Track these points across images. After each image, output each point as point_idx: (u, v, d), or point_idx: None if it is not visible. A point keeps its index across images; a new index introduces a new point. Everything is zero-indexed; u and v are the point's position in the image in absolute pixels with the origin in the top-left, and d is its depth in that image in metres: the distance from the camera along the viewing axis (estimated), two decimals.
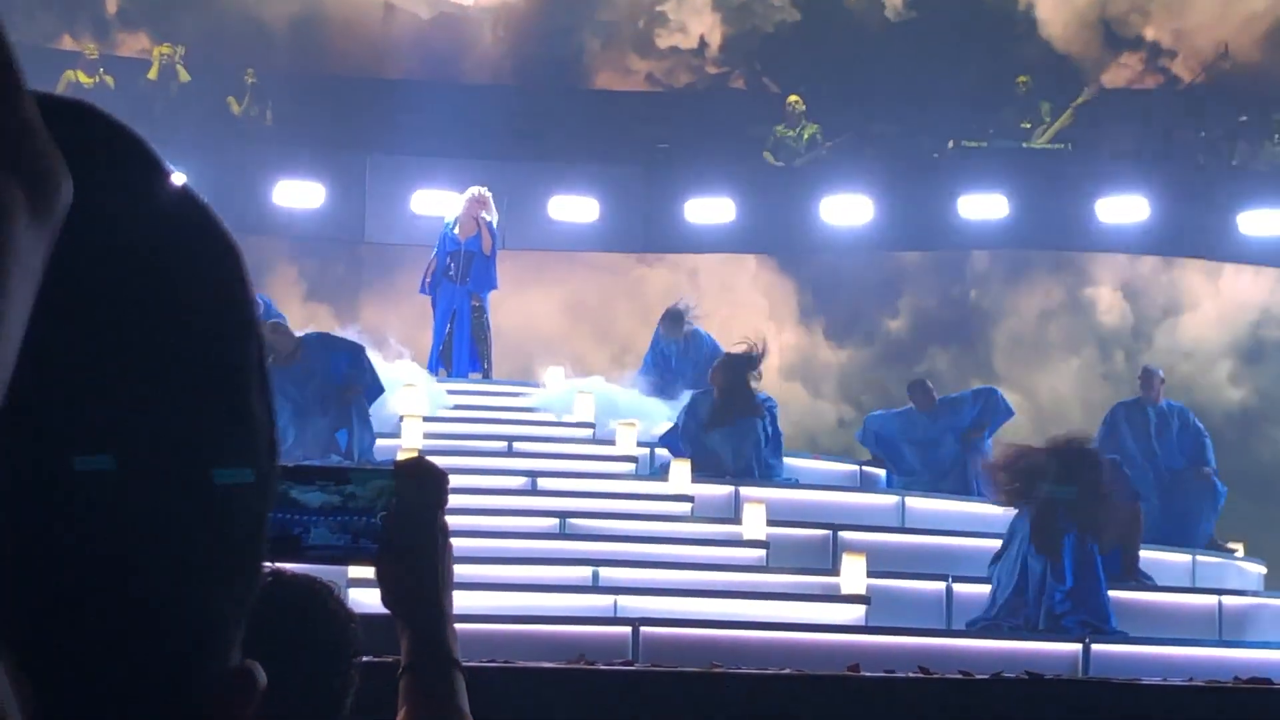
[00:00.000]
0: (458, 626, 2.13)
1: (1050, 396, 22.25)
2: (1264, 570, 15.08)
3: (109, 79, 21.86)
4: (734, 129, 23.10)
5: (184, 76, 22.17)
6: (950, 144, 22.63)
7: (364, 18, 23.72)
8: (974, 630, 11.53)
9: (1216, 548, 14.97)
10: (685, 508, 13.61)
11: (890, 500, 14.65)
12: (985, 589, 11.95)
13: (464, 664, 2.14)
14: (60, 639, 0.87)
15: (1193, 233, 21.85)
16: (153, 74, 22.20)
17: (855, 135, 22.83)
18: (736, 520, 13.09)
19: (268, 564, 1.00)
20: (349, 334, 15.70)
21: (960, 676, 8.20)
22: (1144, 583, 12.79)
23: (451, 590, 2.10)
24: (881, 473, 15.81)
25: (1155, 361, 17.89)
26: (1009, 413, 16.00)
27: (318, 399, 13.89)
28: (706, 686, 7.76)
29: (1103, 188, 21.84)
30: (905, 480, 15.46)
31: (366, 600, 7.01)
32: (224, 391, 0.93)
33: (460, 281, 17.47)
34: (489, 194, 17.81)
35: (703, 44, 24.17)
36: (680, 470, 13.96)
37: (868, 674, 8.29)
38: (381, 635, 2.63)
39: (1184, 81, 23.26)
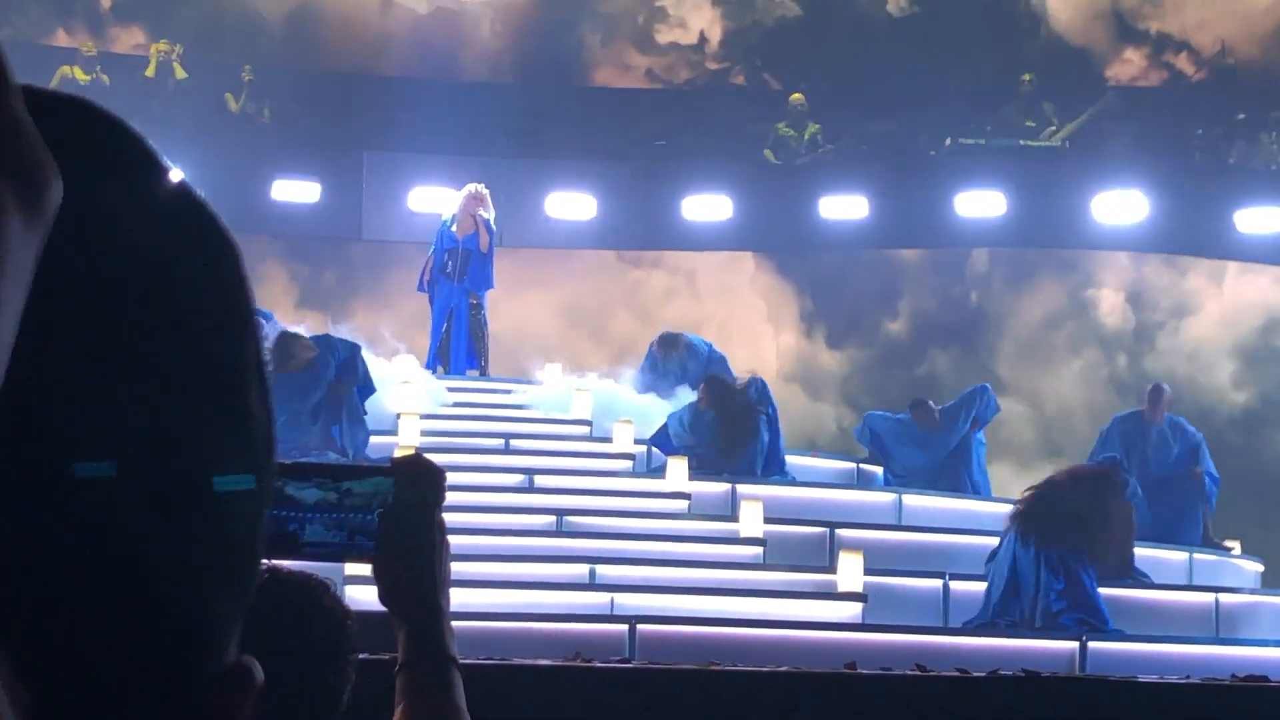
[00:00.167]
0: (454, 624, 2.13)
1: (1056, 405, 22.22)
2: (1261, 568, 15.09)
3: (105, 77, 21.85)
4: (732, 127, 23.10)
5: (180, 74, 22.15)
6: (948, 141, 22.63)
7: (361, 13, 23.71)
8: (971, 628, 11.54)
9: (1213, 546, 14.98)
10: (682, 505, 13.62)
11: (887, 498, 14.66)
12: (982, 587, 11.96)
13: (461, 661, 2.14)
14: (59, 639, 0.87)
15: (1190, 231, 21.86)
16: (150, 71, 22.19)
17: (854, 133, 22.83)
18: (733, 518, 13.09)
19: (264, 561, 1.00)
20: (344, 332, 15.71)
21: (957, 674, 8.20)
22: (1141, 581, 12.79)
23: (449, 588, 2.10)
24: (879, 471, 15.83)
25: (1157, 363, 17.89)
26: (997, 409, 16.17)
27: (323, 398, 13.92)
28: (703, 684, 7.76)
29: (1100, 185, 21.84)
30: (900, 479, 15.50)
31: (363, 597, 7.02)
32: (223, 392, 0.93)
33: (458, 279, 17.46)
34: (486, 191, 17.80)
35: (703, 39, 24.14)
36: (677, 468, 13.97)
37: (865, 671, 8.30)
38: (378, 632, 2.63)
39: (1189, 78, 23.23)
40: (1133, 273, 22.71)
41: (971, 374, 21.38)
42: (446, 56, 23.41)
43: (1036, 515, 11.64)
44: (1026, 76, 22.69)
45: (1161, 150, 22.50)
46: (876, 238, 22.55)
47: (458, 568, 2.13)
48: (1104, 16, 23.43)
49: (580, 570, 11.90)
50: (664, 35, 24.11)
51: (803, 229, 22.45)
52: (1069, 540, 11.53)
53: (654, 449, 15.08)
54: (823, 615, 11.36)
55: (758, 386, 15.11)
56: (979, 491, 15.66)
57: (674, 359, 16.78)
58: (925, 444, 15.65)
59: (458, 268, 17.43)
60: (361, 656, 2.83)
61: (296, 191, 22.00)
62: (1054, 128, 22.57)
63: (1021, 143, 22.53)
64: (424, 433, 14.63)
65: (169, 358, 0.91)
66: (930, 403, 16.04)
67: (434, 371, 17.23)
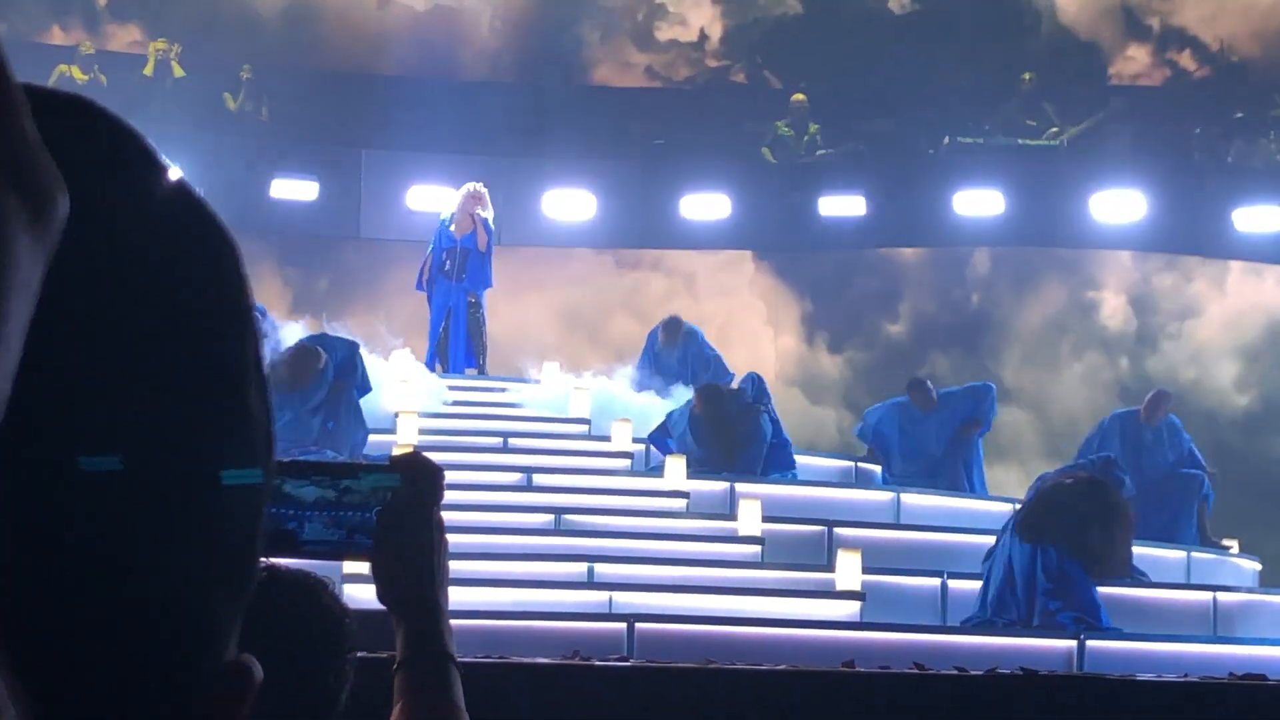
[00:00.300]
0: (453, 622, 2.13)
1: (1059, 407, 22.16)
2: (1259, 567, 15.10)
3: (102, 76, 21.85)
4: (731, 125, 23.09)
5: (179, 72, 22.15)
6: (946, 140, 22.62)
7: (358, 9, 23.68)
8: (969, 626, 11.54)
9: (1211, 545, 14.99)
10: (680, 504, 13.62)
11: (885, 496, 14.66)
12: (980, 585, 11.96)
13: (459, 659, 2.14)
14: (59, 636, 0.87)
15: (1188, 229, 21.86)
16: (148, 70, 22.18)
17: (853, 132, 22.81)
18: (732, 516, 13.09)
19: (263, 560, 1.01)
20: (341, 330, 15.70)
21: (955, 672, 8.20)
22: (1138, 579, 12.80)
23: (447, 586, 2.10)
24: (877, 469, 15.84)
25: (1160, 366, 17.88)
26: (994, 411, 16.22)
27: (317, 399, 13.92)
28: (701, 682, 7.76)
29: (1099, 184, 21.84)
30: (899, 477, 15.50)
31: (361, 595, 7.01)
32: (222, 389, 0.93)
33: (456, 279, 17.47)
34: (485, 190, 17.80)
35: (703, 37, 24.10)
36: (675, 466, 13.97)
37: (863, 670, 8.30)
38: (377, 631, 2.63)
39: (1192, 75, 23.20)
40: (1135, 275, 22.67)
41: (972, 377, 21.33)
42: (445, 54, 23.39)
43: (1034, 515, 11.65)
44: (1027, 75, 22.67)
45: (1160, 149, 22.49)
46: (875, 236, 22.53)
47: (456, 566, 2.13)
48: (1112, 11, 23.38)
49: (578, 569, 11.90)
50: (664, 32, 24.08)
51: (801, 228, 22.44)
52: (1067, 539, 11.53)
53: (652, 447, 15.08)
54: (821, 614, 11.36)
55: (754, 382, 15.11)
56: (975, 489, 15.67)
57: (676, 346, 16.83)
58: (922, 425, 15.65)
59: (456, 267, 17.44)
60: (360, 654, 2.83)
61: (295, 190, 22.00)
62: (1055, 128, 22.55)
63: (1020, 141, 22.51)
64: (422, 431, 14.63)
65: (168, 355, 0.91)
66: (929, 383, 16.10)
67: (433, 369, 17.25)
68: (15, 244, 0.80)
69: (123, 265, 0.90)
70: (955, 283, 23.02)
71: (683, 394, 15.70)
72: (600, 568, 11.88)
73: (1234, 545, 15.41)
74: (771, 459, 14.84)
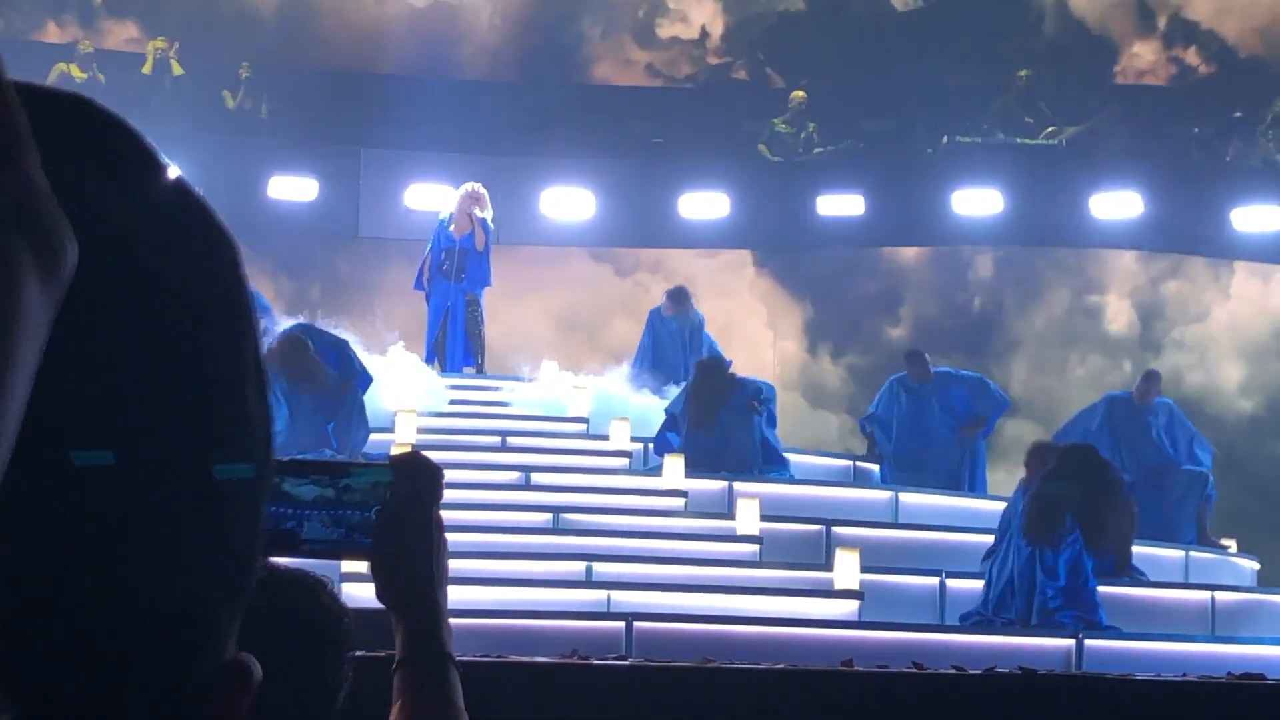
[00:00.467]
0: (451, 621, 2.13)
1: (1062, 411, 22.05)
2: (1257, 566, 15.10)
3: (100, 75, 21.84)
4: (729, 124, 23.08)
5: (177, 70, 22.14)
6: (945, 139, 22.61)
7: (357, 6, 23.65)
8: (967, 625, 11.55)
9: (1210, 544, 14.99)
10: (679, 503, 13.61)
11: (884, 495, 14.66)
12: (978, 584, 11.97)
13: (458, 658, 2.14)
14: (58, 632, 0.87)
15: (1187, 229, 21.86)
16: (147, 68, 22.17)
17: (853, 130, 22.80)
18: (730, 515, 13.09)
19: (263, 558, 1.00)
20: (341, 329, 15.69)
21: (953, 671, 8.20)
22: (1137, 578, 12.80)
23: (446, 585, 2.10)
24: (875, 468, 15.83)
25: (1164, 369, 17.85)
26: (1005, 402, 16.15)
27: (311, 394, 13.89)
28: (700, 682, 7.76)
29: (1098, 183, 21.84)
30: (897, 458, 15.50)
31: (360, 594, 7.01)
32: (221, 386, 0.93)
33: (454, 279, 17.48)
34: (483, 190, 17.80)
35: (704, 34, 24.06)
36: (674, 465, 13.97)
37: (861, 669, 8.30)
38: (376, 630, 2.63)
39: (1197, 71, 23.15)
40: (1139, 279, 22.61)
41: None
42: (444, 51, 23.37)
43: (1035, 517, 11.63)
44: (1023, 72, 22.65)
45: (1158, 148, 22.49)
46: (874, 235, 22.52)
47: (454, 564, 2.13)
48: (1125, 4, 23.30)
49: (577, 567, 11.90)
50: (665, 30, 24.04)
51: (800, 226, 22.43)
52: (1069, 531, 11.52)
53: (651, 446, 15.09)
54: (819, 613, 11.37)
55: (766, 386, 15.09)
56: (975, 487, 15.67)
57: (677, 316, 16.91)
58: (920, 398, 15.64)
59: (454, 267, 17.45)
60: (359, 654, 2.83)
61: (293, 189, 21.99)
62: (1053, 128, 22.54)
63: (1019, 140, 22.50)
64: (421, 430, 14.63)
65: (167, 352, 0.91)
66: (926, 355, 16.12)
67: (430, 364, 17.26)
68: (26, 293, 0.80)
69: (122, 263, 0.90)
70: (957, 286, 22.97)
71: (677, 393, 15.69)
72: (598, 566, 11.89)
73: (1232, 545, 15.41)
74: (766, 456, 14.84)
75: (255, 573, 0.96)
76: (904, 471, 15.44)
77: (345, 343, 14.69)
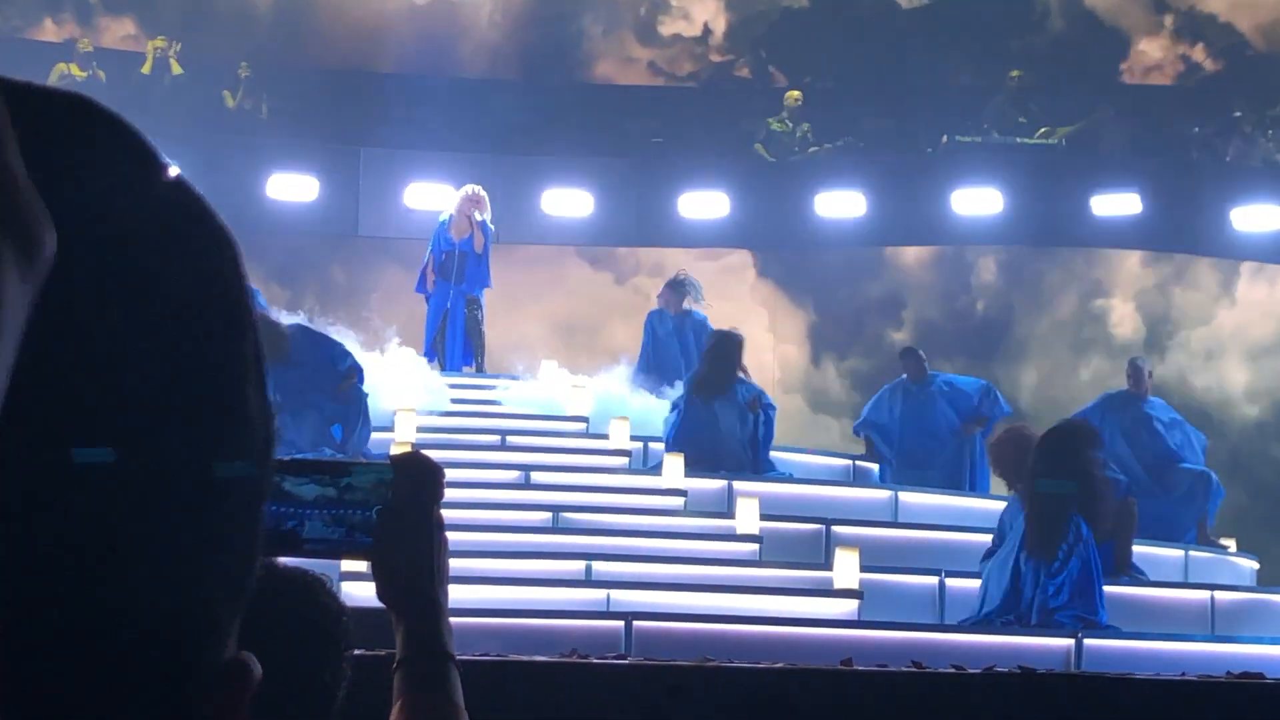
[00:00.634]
0: (452, 620, 2.13)
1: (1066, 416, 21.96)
2: (1256, 566, 15.10)
3: (100, 73, 21.84)
4: (730, 123, 23.07)
5: (177, 69, 22.14)
6: (945, 139, 22.61)
7: (356, 3, 23.63)
8: (967, 625, 11.54)
9: (1209, 544, 14.99)
10: (678, 502, 13.61)
11: (883, 495, 14.66)
12: (978, 584, 11.96)
13: (458, 658, 2.14)
14: (57, 631, 0.87)
15: (1186, 229, 21.85)
16: (146, 68, 22.17)
17: (854, 130, 22.79)
18: (729, 515, 13.09)
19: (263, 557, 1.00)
20: (340, 327, 15.70)
21: (953, 671, 8.21)
22: (1136, 578, 12.80)
23: (447, 585, 2.10)
24: (875, 467, 15.83)
25: (1169, 374, 17.83)
26: (1006, 410, 16.15)
27: (310, 393, 13.87)
28: (699, 681, 7.76)
29: (1097, 183, 21.84)
30: (900, 460, 15.50)
31: (360, 594, 7.01)
32: (220, 384, 0.93)
33: (454, 282, 17.50)
34: (484, 193, 17.79)
35: (707, 31, 24.02)
36: (673, 465, 13.97)
37: (860, 668, 8.30)
38: (376, 629, 2.63)
39: (1205, 69, 23.10)
40: (1144, 282, 22.55)
41: None
42: (445, 48, 23.35)
43: (1037, 529, 11.60)
44: (1014, 73, 22.64)
45: (1158, 148, 22.49)
46: (874, 235, 22.51)
47: (453, 564, 2.13)
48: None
49: (576, 566, 11.90)
50: (667, 27, 23.99)
51: (800, 226, 22.43)
52: (1069, 527, 11.50)
53: (654, 445, 15.08)
54: (819, 612, 11.37)
55: (769, 402, 15.05)
56: (976, 486, 15.67)
57: (674, 320, 16.89)
58: (913, 398, 15.65)
59: (454, 270, 17.46)
60: (359, 653, 2.83)
61: (293, 188, 22.00)
62: (1045, 128, 22.53)
63: (1019, 140, 22.51)
64: (420, 429, 14.63)
65: (167, 350, 0.91)
66: (921, 353, 16.12)
67: (430, 361, 17.28)
68: (6, 284, 0.80)
69: (122, 262, 0.90)
70: (960, 289, 22.92)
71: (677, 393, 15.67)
72: (598, 566, 11.89)
73: (1232, 545, 15.41)
74: (755, 464, 14.83)
75: (256, 572, 0.96)
76: (907, 470, 15.45)
77: (340, 344, 14.67)
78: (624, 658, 9.09)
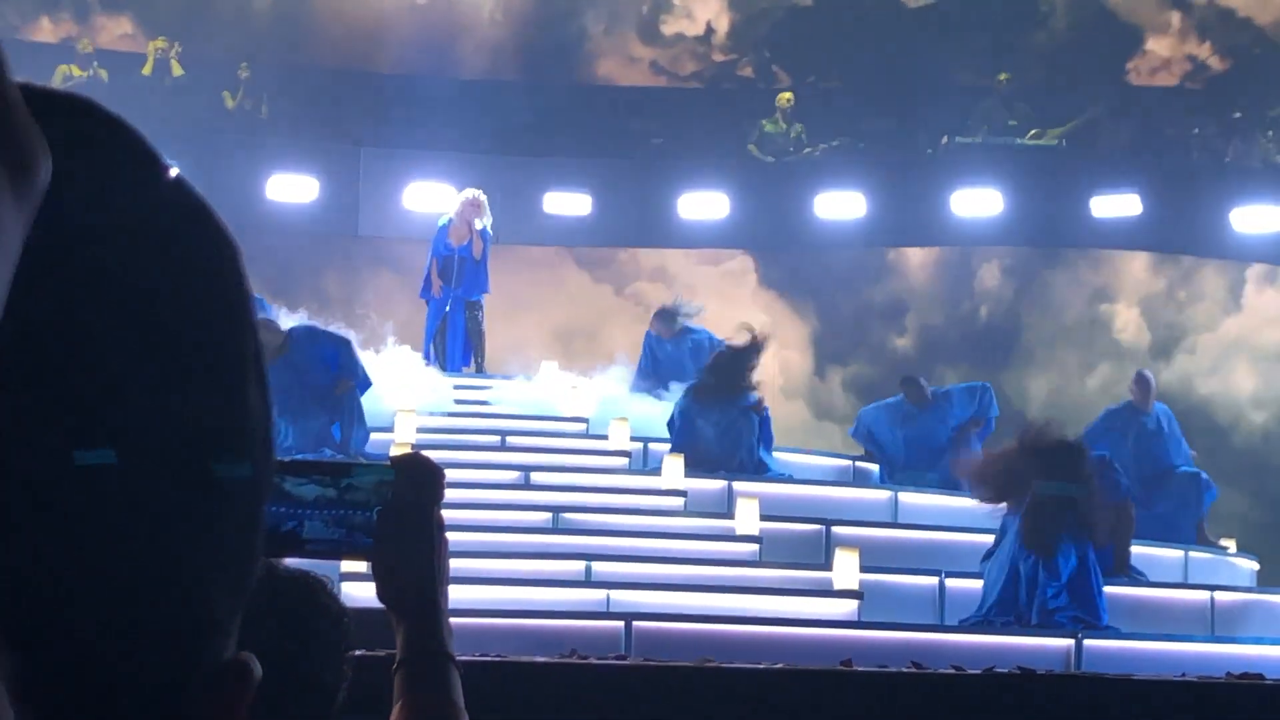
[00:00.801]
0: (452, 621, 2.13)
1: (1070, 420, 21.91)
2: (1256, 566, 15.11)
3: (103, 72, 21.84)
4: (730, 124, 23.06)
5: (177, 71, 22.15)
6: (944, 139, 22.61)
7: (356, 2, 23.61)
8: (966, 625, 11.55)
9: (1208, 544, 15.00)
10: (678, 502, 13.61)
11: (883, 495, 14.66)
12: (978, 584, 11.96)
13: (458, 658, 2.14)
14: (57, 631, 0.87)
15: (1187, 230, 21.85)
16: (147, 69, 22.18)
17: (849, 131, 22.78)
18: (729, 515, 13.09)
19: (263, 558, 1.00)
20: (338, 327, 15.70)
21: (953, 671, 8.21)
22: (1136, 579, 12.81)
23: (447, 585, 2.10)
24: (874, 468, 15.83)
25: (1174, 379, 17.82)
26: (995, 411, 16.14)
27: (310, 393, 13.88)
28: (699, 681, 7.76)
29: (1097, 184, 21.84)
30: (895, 474, 15.49)
31: (360, 594, 7.01)
32: (220, 385, 0.93)
33: (454, 287, 17.51)
34: (484, 198, 17.76)
35: (710, 30, 23.98)
36: (673, 465, 13.97)
37: (860, 668, 8.30)
38: (376, 629, 2.63)
39: (1212, 69, 23.06)
40: (1149, 287, 22.48)
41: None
42: (445, 47, 23.34)
43: (1033, 526, 11.61)
44: (1002, 76, 22.64)
45: (1158, 149, 22.48)
46: (875, 236, 22.50)
47: (453, 564, 2.14)
48: None
49: (576, 567, 11.90)
50: (670, 26, 23.95)
51: (800, 227, 22.42)
52: (1066, 528, 11.51)
53: (653, 445, 15.08)
54: (818, 612, 11.37)
55: (761, 400, 15.05)
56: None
57: (673, 342, 16.82)
58: (916, 422, 15.63)
59: (453, 275, 17.47)
60: (359, 653, 2.83)
61: (293, 188, 22.00)
62: (1036, 129, 22.53)
63: (1018, 141, 22.51)
64: (420, 429, 14.63)
65: (167, 351, 0.91)
66: (922, 380, 16.09)
67: (428, 360, 17.28)
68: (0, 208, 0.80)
69: (121, 261, 0.90)
70: (963, 295, 22.85)
71: (679, 393, 15.67)
72: (598, 566, 11.89)
73: (1232, 545, 15.41)
74: (756, 466, 14.82)
75: (256, 572, 0.96)
76: (907, 474, 15.46)
77: (348, 342, 14.68)
78: (624, 658, 9.10)
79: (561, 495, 13.45)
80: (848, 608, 11.47)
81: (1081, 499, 11.68)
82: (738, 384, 14.62)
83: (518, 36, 23.72)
